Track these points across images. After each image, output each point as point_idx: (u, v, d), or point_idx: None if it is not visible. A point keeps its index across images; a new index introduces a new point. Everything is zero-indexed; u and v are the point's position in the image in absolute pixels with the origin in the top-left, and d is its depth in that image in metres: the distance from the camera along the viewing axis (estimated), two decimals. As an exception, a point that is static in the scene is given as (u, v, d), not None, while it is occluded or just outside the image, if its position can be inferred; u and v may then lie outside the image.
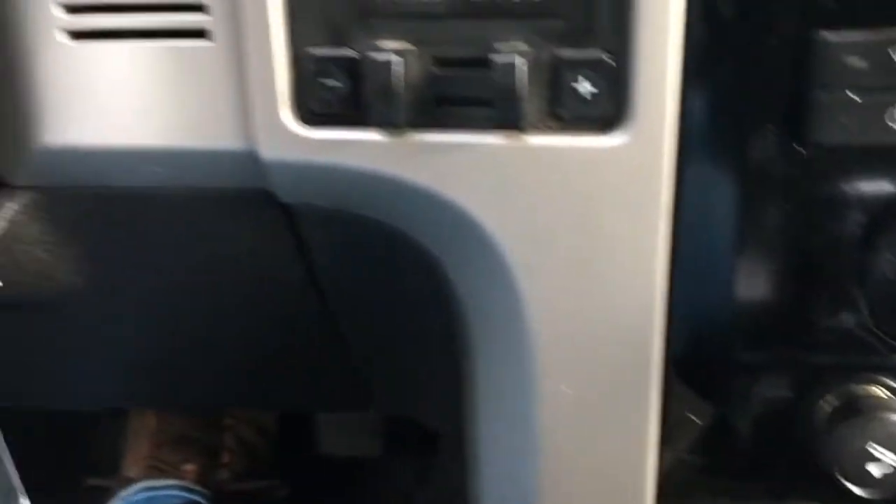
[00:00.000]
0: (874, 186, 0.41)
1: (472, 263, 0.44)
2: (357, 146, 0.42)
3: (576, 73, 0.39)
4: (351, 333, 0.54)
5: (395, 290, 0.50)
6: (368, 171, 0.42)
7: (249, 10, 0.41)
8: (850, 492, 0.44)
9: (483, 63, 0.39)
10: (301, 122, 0.42)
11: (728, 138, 0.41)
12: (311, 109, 0.42)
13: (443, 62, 0.40)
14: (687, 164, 0.41)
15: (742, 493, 0.48)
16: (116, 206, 0.48)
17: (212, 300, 0.54)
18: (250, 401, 0.70)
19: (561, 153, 0.41)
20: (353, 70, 0.40)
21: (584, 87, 0.39)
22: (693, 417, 0.46)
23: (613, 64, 0.39)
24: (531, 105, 0.39)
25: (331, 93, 0.41)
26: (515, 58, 0.38)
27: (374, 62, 0.39)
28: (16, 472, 0.40)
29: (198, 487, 0.78)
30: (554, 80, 0.39)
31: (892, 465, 0.43)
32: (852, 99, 0.38)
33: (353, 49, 0.40)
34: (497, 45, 0.39)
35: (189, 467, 0.80)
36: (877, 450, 0.42)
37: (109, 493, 0.78)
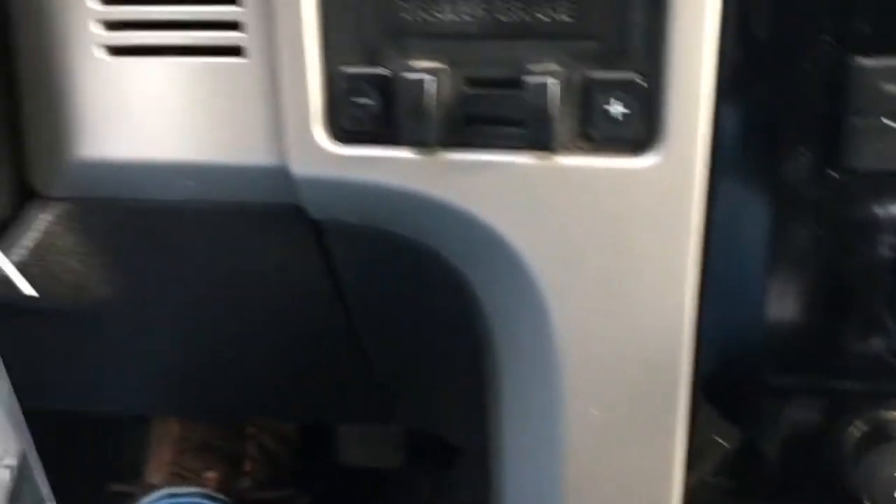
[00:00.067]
0: (907, 212, 0.41)
1: (501, 282, 0.44)
2: (388, 164, 0.42)
3: (608, 94, 0.39)
4: (376, 348, 0.54)
5: (422, 306, 0.50)
6: (399, 189, 0.42)
7: (284, 29, 0.41)
8: (879, 519, 0.43)
9: (515, 83, 0.39)
10: (333, 140, 0.42)
11: (760, 161, 0.41)
12: (343, 127, 0.42)
13: (475, 82, 0.40)
14: (718, 185, 0.41)
15: (768, 518, 0.47)
16: (149, 219, 0.49)
17: (239, 312, 0.54)
18: (274, 411, 0.70)
19: (591, 174, 0.41)
20: (385, 88, 0.41)
21: (616, 108, 0.39)
22: (720, 440, 0.46)
23: (645, 85, 0.39)
24: (562, 126, 0.39)
25: (363, 111, 0.41)
26: (548, 79, 0.38)
27: (407, 81, 0.40)
28: (47, 483, 0.40)
29: (219, 495, 0.79)
30: (585, 101, 0.39)
31: (921, 494, 0.42)
32: (887, 125, 0.38)
33: (386, 68, 0.40)
34: (529, 66, 0.39)
35: (211, 475, 0.80)
36: (906, 477, 0.42)
37: (132, 498, 0.78)
